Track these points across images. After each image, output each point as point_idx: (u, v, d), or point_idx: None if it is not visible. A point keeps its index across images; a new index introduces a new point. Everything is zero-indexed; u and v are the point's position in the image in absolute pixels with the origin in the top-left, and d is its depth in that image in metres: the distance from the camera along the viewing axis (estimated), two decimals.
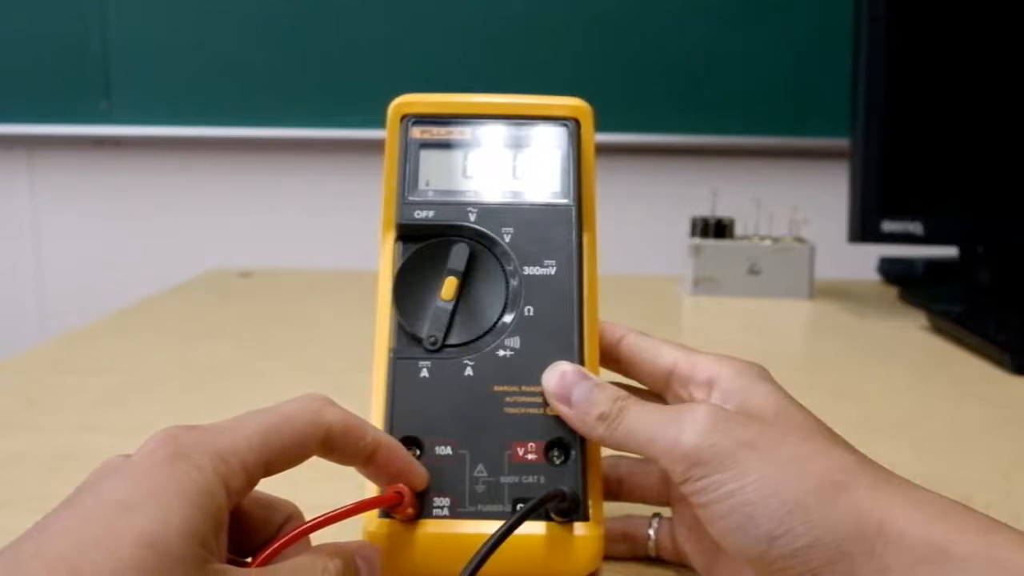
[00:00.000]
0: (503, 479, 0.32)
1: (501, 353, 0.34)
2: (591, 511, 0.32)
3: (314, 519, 0.27)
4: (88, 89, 1.50)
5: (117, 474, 0.24)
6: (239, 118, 1.51)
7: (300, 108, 1.50)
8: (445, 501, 0.32)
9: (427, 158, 0.37)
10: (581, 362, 0.34)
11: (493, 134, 0.38)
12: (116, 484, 0.24)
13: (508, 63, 1.47)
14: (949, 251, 0.95)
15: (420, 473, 0.32)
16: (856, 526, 0.26)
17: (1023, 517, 0.41)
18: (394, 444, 0.31)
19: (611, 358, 0.37)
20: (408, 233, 0.36)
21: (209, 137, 1.53)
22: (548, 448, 0.33)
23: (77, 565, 0.21)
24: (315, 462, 0.29)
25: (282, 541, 0.26)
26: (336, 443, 0.29)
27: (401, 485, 0.31)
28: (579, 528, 0.32)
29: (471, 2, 1.47)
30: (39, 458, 0.48)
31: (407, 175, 0.37)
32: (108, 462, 0.25)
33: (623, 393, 0.32)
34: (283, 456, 0.27)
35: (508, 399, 0.33)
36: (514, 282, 0.35)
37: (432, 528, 0.32)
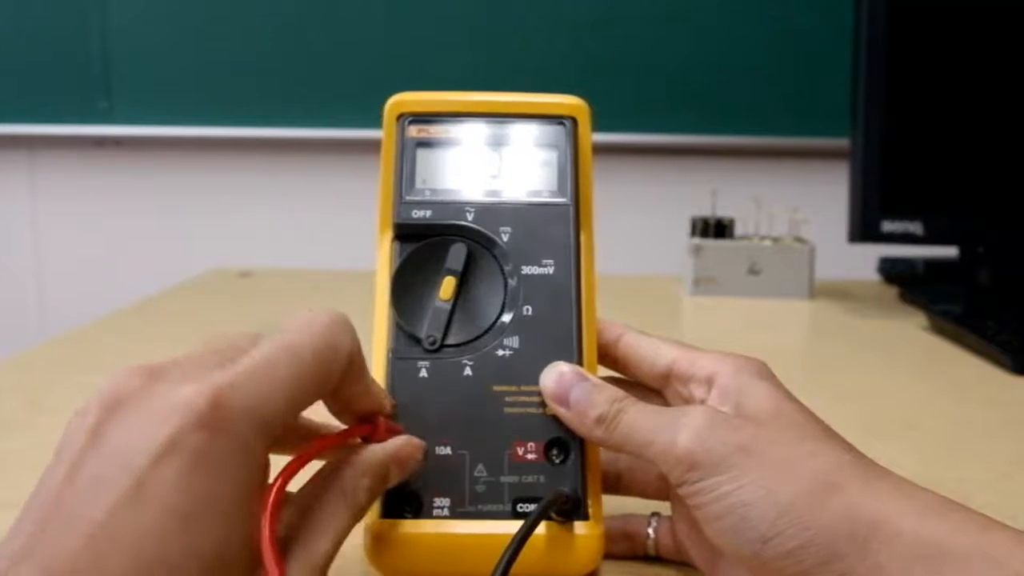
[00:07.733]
0: (503, 479, 0.32)
1: (500, 353, 0.34)
2: (591, 510, 0.32)
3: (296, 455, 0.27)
4: (88, 89, 1.49)
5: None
6: (239, 118, 1.50)
7: (300, 108, 1.50)
8: (445, 501, 0.32)
9: (424, 157, 0.37)
10: (580, 361, 0.34)
11: (490, 133, 0.37)
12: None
13: (507, 62, 1.47)
14: (949, 251, 0.95)
15: (384, 400, 0.32)
16: (849, 526, 0.26)
17: (1022, 517, 0.41)
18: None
19: (609, 356, 0.36)
20: (405, 233, 0.36)
21: (209, 137, 1.53)
22: (548, 447, 0.33)
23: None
24: None
25: (278, 485, 0.25)
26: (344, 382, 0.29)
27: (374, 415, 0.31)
28: (579, 527, 0.32)
29: (470, 1, 1.47)
30: (39, 458, 0.48)
31: (403, 174, 0.36)
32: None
33: (621, 394, 0.32)
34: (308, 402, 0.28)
35: (507, 399, 0.33)
36: (512, 282, 0.35)
37: (432, 528, 0.32)
